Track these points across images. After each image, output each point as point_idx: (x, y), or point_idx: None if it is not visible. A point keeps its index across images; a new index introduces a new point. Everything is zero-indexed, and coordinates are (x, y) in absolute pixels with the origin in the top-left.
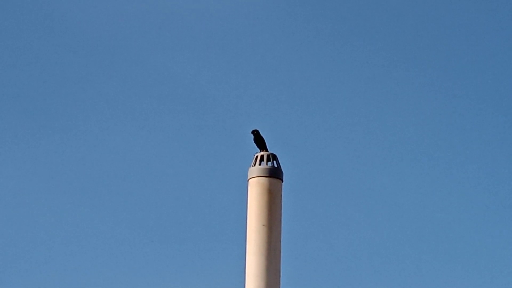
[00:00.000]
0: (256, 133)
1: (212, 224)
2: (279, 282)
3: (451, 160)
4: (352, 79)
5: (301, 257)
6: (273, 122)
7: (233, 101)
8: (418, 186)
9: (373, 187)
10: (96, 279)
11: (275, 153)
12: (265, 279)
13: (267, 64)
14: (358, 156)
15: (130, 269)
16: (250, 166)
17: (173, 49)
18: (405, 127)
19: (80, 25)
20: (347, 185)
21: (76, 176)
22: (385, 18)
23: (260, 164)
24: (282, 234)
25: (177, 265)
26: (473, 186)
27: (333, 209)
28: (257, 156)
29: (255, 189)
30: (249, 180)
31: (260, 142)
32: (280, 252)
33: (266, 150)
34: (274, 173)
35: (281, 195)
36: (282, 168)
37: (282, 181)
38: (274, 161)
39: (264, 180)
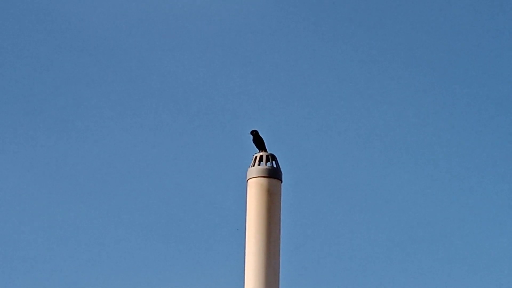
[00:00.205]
0: (255, 134)
1: (212, 224)
2: (278, 282)
3: (451, 160)
4: (352, 79)
5: (300, 257)
6: (272, 123)
7: (232, 101)
8: (418, 186)
9: (373, 187)
10: (96, 279)
11: (274, 154)
12: (264, 279)
13: (266, 64)
14: (357, 156)
15: (129, 268)
16: (249, 167)
17: (172, 49)
18: (405, 127)
19: (80, 25)
20: (346, 185)
21: (75, 176)
22: (385, 18)
23: (259, 165)
24: (281, 234)
25: (176, 265)
26: (473, 186)
27: (332, 209)
28: (256, 157)
29: (254, 189)
30: (248, 181)
31: (259, 142)
32: (279, 252)
33: (265, 151)
34: (273, 174)
35: (280, 196)
36: (281, 169)
37: (281, 182)
38: (273, 162)
39: (263, 180)
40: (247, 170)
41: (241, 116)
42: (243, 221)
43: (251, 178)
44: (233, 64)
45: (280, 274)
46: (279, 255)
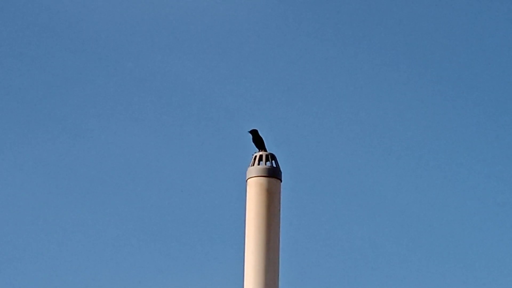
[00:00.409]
0: (254, 133)
1: (211, 223)
2: (278, 281)
3: (451, 160)
4: (351, 78)
5: (300, 256)
6: (271, 122)
7: (231, 100)
8: (418, 186)
9: (372, 186)
10: (94, 279)
11: (273, 153)
12: (263, 278)
13: (266, 63)
14: (357, 155)
15: (129, 268)
16: (248, 166)
17: (172, 49)
18: (405, 127)
19: (80, 25)
20: (346, 185)
21: (75, 175)
22: (385, 18)
23: (258, 164)
24: (280, 233)
25: (176, 264)
26: (473, 186)
27: (332, 209)
28: (255, 156)
29: (254, 189)
30: (248, 180)
31: (258, 141)
32: (278, 251)
33: (265, 150)
34: (273, 173)
35: (279, 195)
36: (280, 168)
37: (281, 181)
38: (273, 161)
39: (262, 180)
40: (246, 170)
41: (241, 116)
42: (242, 221)
43: (250, 177)
44: (233, 64)
45: (279, 273)
46: (278, 254)
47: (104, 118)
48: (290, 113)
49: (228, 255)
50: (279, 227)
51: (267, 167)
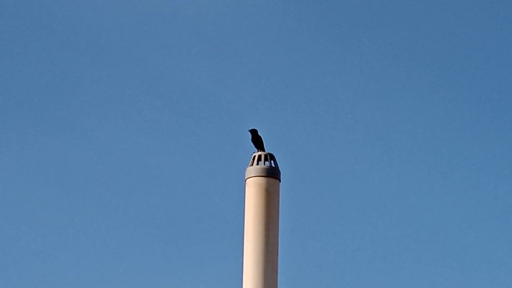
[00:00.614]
0: (254, 132)
1: (210, 223)
2: (277, 281)
3: (451, 160)
4: (350, 78)
5: (298, 256)
6: (270, 122)
7: (231, 100)
8: (417, 186)
9: (371, 186)
10: (93, 279)
11: (272, 153)
12: (262, 278)
13: (265, 63)
14: (356, 155)
15: (128, 268)
16: (247, 166)
17: (171, 48)
18: (404, 127)
19: (80, 25)
20: (344, 185)
21: (74, 175)
22: (384, 17)
23: (257, 164)
24: (279, 233)
25: (175, 264)
26: (473, 186)
27: (330, 209)
28: (254, 156)
29: (253, 188)
30: (247, 180)
31: (257, 141)
32: (277, 251)
33: (264, 150)
34: (272, 173)
35: (278, 195)
36: (279, 168)
37: (280, 181)
38: (272, 161)
39: (261, 179)
40: (245, 170)
41: (240, 116)
42: (241, 220)
43: (249, 177)
44: (232, 64)
45: (278, 273)
46: (277, 254)
47: (104, 118)
48: (289, 113)
49: (227, 254)
50: (277, 227)
51: (266, 167)
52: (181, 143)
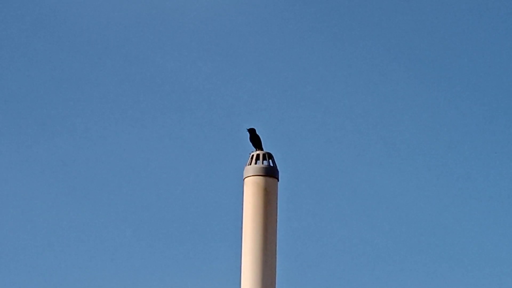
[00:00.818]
0: (252, 132)
1: (208, 223)
2: (275, 281)
3: (451, 160)
4: (349, 78)
5: (297, 256)
6: (269, 121)
7: (229, 100)
8: (416, 185)
9: (369, 186)
10: (92, 279)
11: (271, 152)
12: (260, 278)
13: (263, 63)
14: (354, 155)
15: (125, 268)
16: (246, 165)
17: (169, 48)
18: (403, 126)
19: (80, 25)
20: (343, 184)
21: (74, 175)
22: (384, 17)
23: (256, 163)
24: (277, 232)
25: (173, 264)
26: (473, 186)
27: (329, 208)
28: (253, 155)
29: (251, 188)
30: (245, 179)
31: (256, 140)
32: (275, 250)
33: (262, 149)
34: (270, 172)
35: (276, 194)
36: (277, 167)
37: (278, 180)
38: (270, 160)
39: (260, 179)
40: (243, 169)
41: (238, 115)
42: (239, 220)
43: (247, 176)
44: (230, 63)
45: (276, 273)
46: (275, 253)
47: (104, 117)
48: (287, 113)
49: (225, 254)
50: (276, 226)
51: (264, 166)
52: (179, 142)
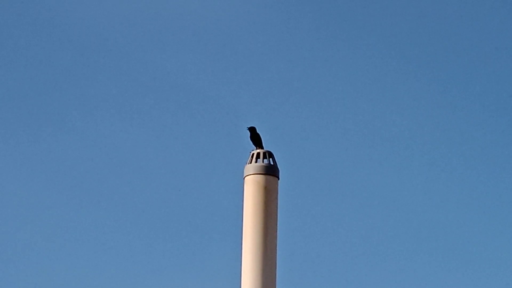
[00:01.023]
0: (252, 130)
1: (208, 221)
2: (275, 280)
3: (451, 160)
4: (349, 77)
5: (297, 254)
6: (269, 120)
7: (229, 98)
8: (416, 185)
9: (370, 184)
10: (92, 278)
11: (271, 151)
12: (261, 276)
13: (263, 61)
14: (355, 153)
15: (125, 267)
16: (246, 164)
17: (169, 47)
18: (403, 125)
19: (80, 25)
20: (343, 183)
21: (73, 175)
22: (383, 17)
23: (256, 162)
24: (278, 231)
25: (173, 263)
26: (473, 186)
27: (329, 207)
28: (253, 154)
29: (251, 186)
30: (245, 178)
31: (256, 139)
32: (276, 249)
33: (262, 148)
34: (270, 171)
35: (277, 193)
36: (278, 166)
37: (278, 179)
38: (270, 159)
39: (260, 177)
40: (244, 167)
41: (238, 113)
42: (239, 218)
43: (248, 175)
44: (231, 62)
45: (277, 271)
46: (276, 252)
47: (103, 116)
48: (288, 111)
49: (225, 252)
50: (276, 225)
51: (265, 164)
52: (179, 141)
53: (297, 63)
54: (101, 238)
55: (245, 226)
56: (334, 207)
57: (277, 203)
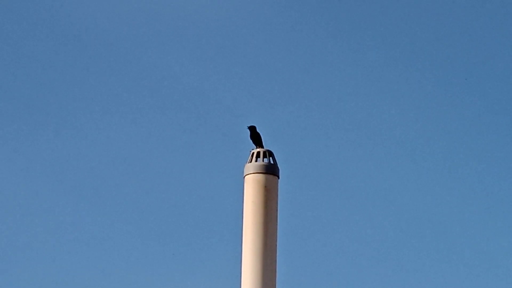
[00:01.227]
0: (252, 129)
1: (208, 221)
2: (275, 279)
3: (451, 160)
4: (349, 76)
5: (297, 254)
6: (269, 119)
7: (229, 97)
8: (416, 184)
9: (370, 184)
10: (92, 279)
11: (271, 150)
12: (261, 276)
13: (263, 61)
14: (354, 152)
15: (124, 267)
16: (246, 163)
17: (169, 47)
18: (403, 124)
19: (80, 25)
20: (343, 182)
21: (73, 175)
22: (383, 17)
23: (256, 161)
24: (278, 230)
25: (173, 263)
26: (473, 186)
27: (329, 206)
28: (253, 153)
29: (251, 185)
30: (245, 177)
31: (256, 138)
32: (276, 249)
33: (262, 147)
34: (270, 170)
35: (277, 192)
36: (278, 165)
37: (278, 178)
38: (270, 158)
39: (260, 176)
40: (244, 166)
41: (238, 112)
42: (239, 218)
43: (248, 174)
44: (231, 61)
45: (277, 270)
46: (275, 251)
47: (103, 116)
48: (288, 110)
49: (225, 252)
50: (276, 224)
51: (265, 163)
52: (179, 140)
53: (297, 63)
54: (101, 238)
55: (245, 225)
56: (334, 207)
57: (277, 202)
